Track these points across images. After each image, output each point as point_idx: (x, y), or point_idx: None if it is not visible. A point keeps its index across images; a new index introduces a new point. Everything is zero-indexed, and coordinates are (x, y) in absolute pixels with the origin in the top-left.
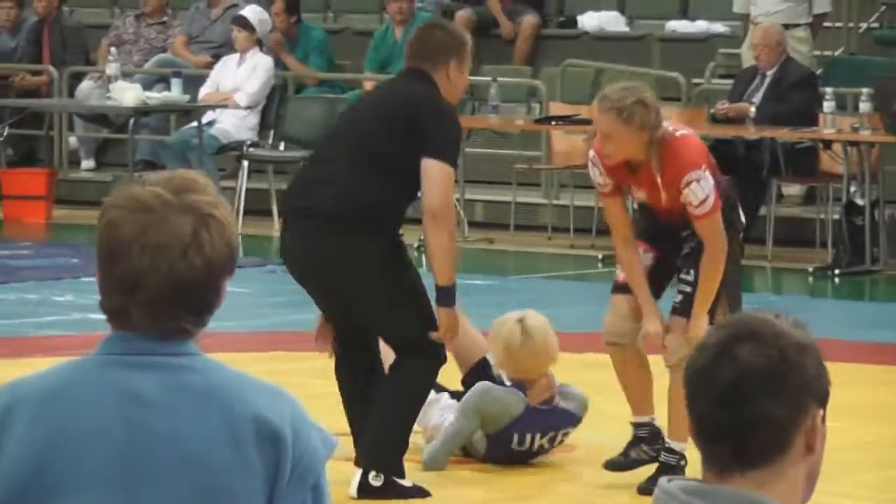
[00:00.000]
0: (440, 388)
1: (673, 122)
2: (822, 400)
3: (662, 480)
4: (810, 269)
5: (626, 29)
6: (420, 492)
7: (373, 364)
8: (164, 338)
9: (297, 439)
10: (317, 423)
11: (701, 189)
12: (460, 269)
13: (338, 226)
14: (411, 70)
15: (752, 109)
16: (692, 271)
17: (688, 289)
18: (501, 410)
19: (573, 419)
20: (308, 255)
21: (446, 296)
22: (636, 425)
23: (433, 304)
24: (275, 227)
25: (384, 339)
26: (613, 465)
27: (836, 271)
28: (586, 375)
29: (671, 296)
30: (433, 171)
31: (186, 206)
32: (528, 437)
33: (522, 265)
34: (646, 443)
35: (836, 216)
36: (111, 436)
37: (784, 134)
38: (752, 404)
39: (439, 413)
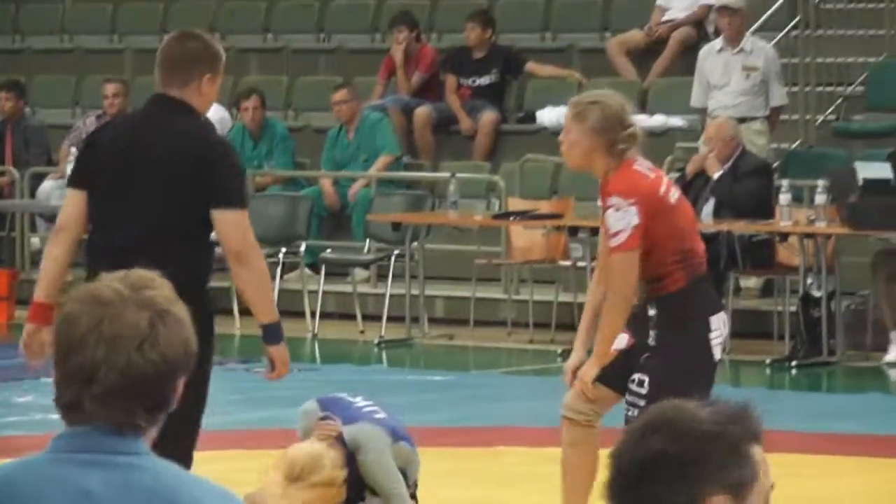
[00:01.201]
0: None
1: (646, 162)
2: (732, 488)
3: None
4: (768, 361)
5: None
6: None
7: None
8: (116, 432)
9: None
10: None
11: (617, 219)
12: (420, 365)
13: None
14: (164, 99)
15: (717, 166)
16: (645, 381)
17: (640, 402)
18: None
19: None
20: None
21: (273, 333)
22: None
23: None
24: (236, 326)
25: None
26: None
27: (794, 363)
28: (545, 469)
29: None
30: (228, 219)
31: (143, 302)
32: None
33: (482, 360)
34: None
35: (793, 308)
36: None
37: (741, 227)
38: (650, 490)
39: None
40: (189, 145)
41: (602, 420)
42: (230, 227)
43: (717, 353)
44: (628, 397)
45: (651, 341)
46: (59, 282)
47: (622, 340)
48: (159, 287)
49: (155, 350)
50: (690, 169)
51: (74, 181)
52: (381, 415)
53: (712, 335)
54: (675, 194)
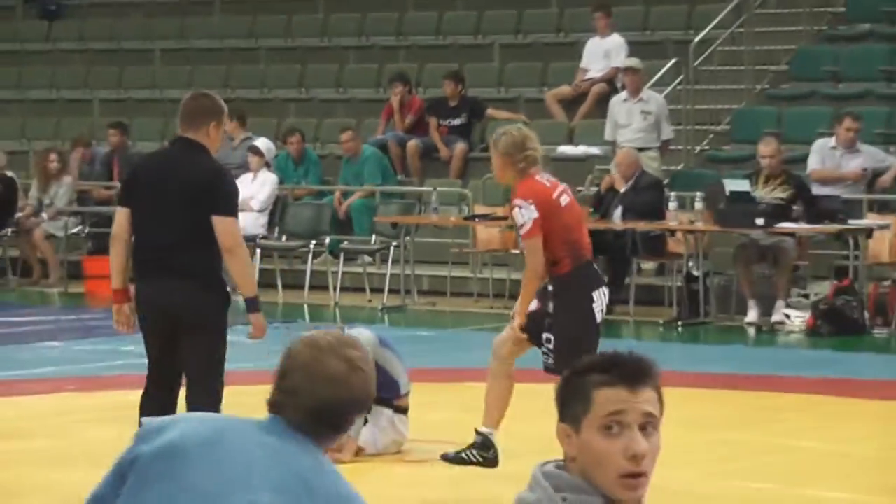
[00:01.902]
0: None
1: (546, 175)
2: (567, 417)
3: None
4: (661, 322)
5: None
6: None
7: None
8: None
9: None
10: None
11: (521, 215)
12: (412, 324)
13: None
14: (183, 140)
15: (622, 183)
16: (551, 339)
17: (551, 354)
18: None
19: None
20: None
21: (253, 303)
22: (477, 432)
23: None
24: (279, 296)
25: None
26: (447, 458)
27: (680, 323)
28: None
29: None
30: (222, 223)
31: (345, 357)
32: None
33: (456, 321)
34: (477, 448)
35: (679, 283)
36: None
37: (641, 225)
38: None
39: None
40: (200, 173)
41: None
42: (224, 229)
43: (598, 318)
44: (543, 349)
45: (550, 310)
46: (125, 272)
47: (533, 305)
48: (359, 348)
49: (347, 393)
50: (604, 185)
51: (122, 201)
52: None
53: (594, 305)
54: (566, 199)
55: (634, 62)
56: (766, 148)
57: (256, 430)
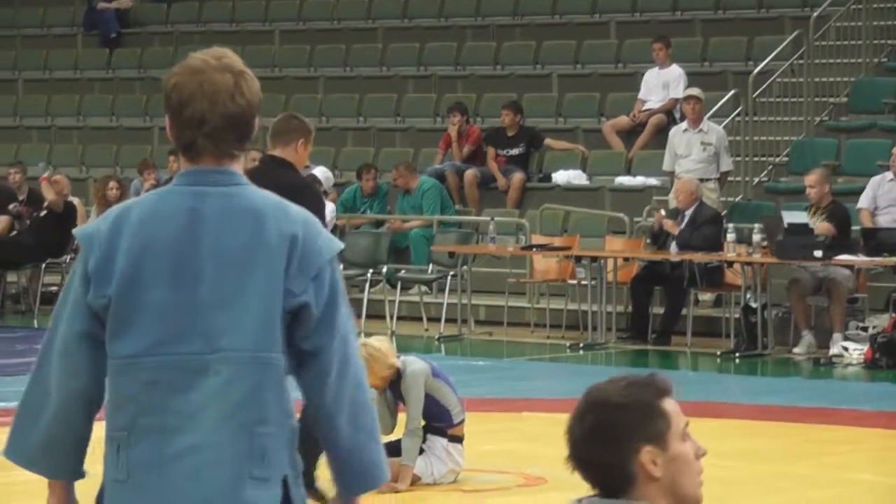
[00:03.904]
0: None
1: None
2: (652, 438)
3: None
4: (718, 353)
5: (587, 182)
6: None
7: None
8: (219, 169)
9: (306, 239)
10: (325, 230)
11: None
12: (468, 354)
13: None
14: (271, 157)
15: (677, 229)
16: None
17: None
18: None
19: None
20: None
21: None
22: None
23: None
24: None
25: None
26: None
27: (737, 354)
28: (555, 429)
29: None
30: None
31: (225, 66)
32: None
33: (512, 351)
34: None
35: (737, 315)
36: (176, 243)
37: (699, 256)
38: (595, 455)
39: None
40: (289, 184)
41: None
42: None
43: None
44: None
45: None
46: None
47: None
48: (232, 56)
49: (242, 98)
50: (655, 223)
51: None
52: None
53: None
54: None
55: (696, 91)
56: (809, 178)
57: (180, 197)
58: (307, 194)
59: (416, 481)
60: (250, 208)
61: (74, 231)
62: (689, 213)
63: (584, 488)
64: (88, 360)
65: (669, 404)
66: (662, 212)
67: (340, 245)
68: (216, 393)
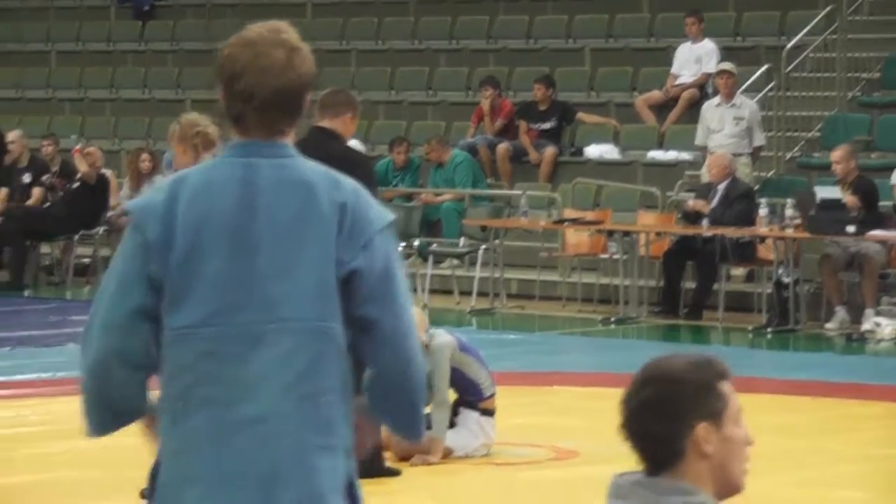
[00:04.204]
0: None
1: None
2: (711, 416)
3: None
4: (750, 329)
5: (619, 156)
6: None
7: None
8: (271, 137)
9: (356, 208)
10: (377, 202)
11: None
12: (499, 327)
13: None
14: (319, 129)
15: (708, 208)
16: None
17: None
18: None
19: None
20: None
21: None
22: None
23: None
24: None
25: None
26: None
27: (769, 330)
28: (586, 403)
29: None
30: None
31: (280, 41)
32: None
33: (544, 325)
34: None
35: (769, 290)
36: (233, 215)
37: (731, 231)
38: (651, 427)
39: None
40: (341, 156)
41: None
42: None
43: None
44: None
45: None
46: None
47: None
48: (289, 31)
49: (294, 73)
50: (689, 207)
51: None
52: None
53: None
54: None
55: (729, 66)
56: (835, 154)
57: (233, 168)
58: (360, 166)
59: (448, 454)
60: (302, 179)
61: (128, 204)
62: (721, 187)
63: (616, 463)
64: (142, 334)
65: (727, 386)
66: (691, 202)
67: (392, 216)
68: (277, 363)
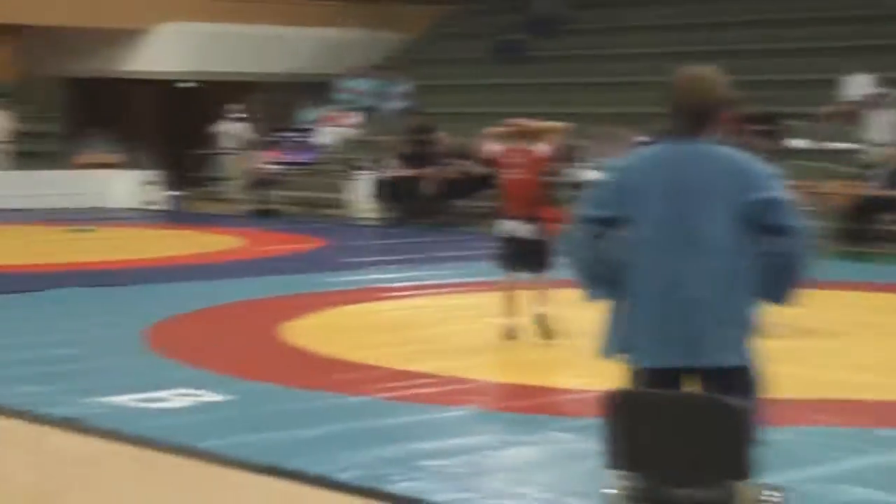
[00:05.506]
0: None
1: None
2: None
3: None
4: None
5: None
6: None
7: None
8: (693, 136)
9: (750, 168)
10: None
11: None
12: None
13: None
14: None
15: None
16: None
17: None
18: None
19: None
20: None
21: None
22: None
23: None
24: None
25: None
26: None
27: None
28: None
29: None
30: None
31: (704, 73)
32: None
33: None
34: None
35: None
36: (670, 175)
37: None
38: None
39: None
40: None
41: None
42: None
43: None
44: None
45: None
46: None
47: None
48: (712, 70)
49: (709, 96)
50: None
51: None
52: None
53: None
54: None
55: None
56: None
57: (666, 151)
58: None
59: None
60: (714, 153)
61: (606, 162)
62: None
63: None
64: (609, 248)
65: None
66: None
67: (779, 171)
68: (703, 268)
